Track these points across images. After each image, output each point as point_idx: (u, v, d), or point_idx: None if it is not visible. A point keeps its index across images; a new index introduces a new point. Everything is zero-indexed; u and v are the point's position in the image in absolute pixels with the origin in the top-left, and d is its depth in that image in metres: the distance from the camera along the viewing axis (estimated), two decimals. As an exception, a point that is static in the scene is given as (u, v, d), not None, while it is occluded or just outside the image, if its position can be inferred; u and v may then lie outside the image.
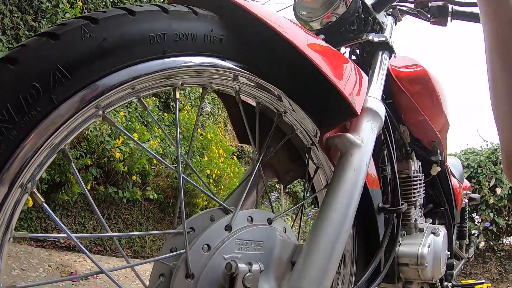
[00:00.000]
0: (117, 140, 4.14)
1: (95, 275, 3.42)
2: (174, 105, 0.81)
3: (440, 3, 1.63)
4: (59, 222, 0.65)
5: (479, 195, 3.17)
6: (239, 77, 0.89)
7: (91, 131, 3.92)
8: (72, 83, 0.60)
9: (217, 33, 0.81)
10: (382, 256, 1.20)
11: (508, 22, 0.81)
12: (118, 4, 5.14)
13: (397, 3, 1.60)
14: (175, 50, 0.73)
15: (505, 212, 5.98)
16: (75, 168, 0.69)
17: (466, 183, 2.79)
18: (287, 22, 0.91)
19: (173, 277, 0.78)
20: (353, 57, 1.49)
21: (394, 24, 1.54)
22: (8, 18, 3.78)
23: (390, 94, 1.52)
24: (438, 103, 1.66)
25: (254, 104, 1.03)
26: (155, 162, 4.67)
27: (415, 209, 1.61)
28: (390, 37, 1.43)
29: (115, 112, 4.30)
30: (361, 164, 0.97)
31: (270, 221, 0.95)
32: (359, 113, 0.98)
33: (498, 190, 5.90)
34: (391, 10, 1.57)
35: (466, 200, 2.62)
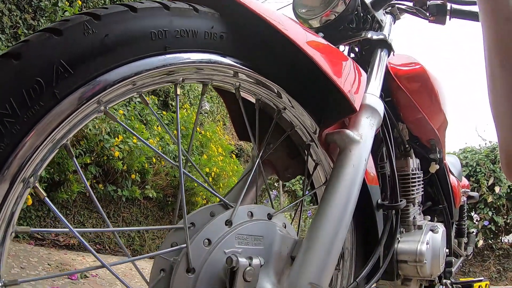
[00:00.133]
0: (116, 138, 4.14)
1: (95, 274, 3.44)
2: (175, 101, 0.82)
3: (438, 2, 1.63)
4: (61, 216, 0.66)
5: (477, 193, 3.18)
6: (239, 73, 0.90)
7: (90, 129, 3.92)
8: (74, 78, 0.61)
9: (218, 30, 0.81)
10: (381, 252, 1.21)
11: (507, 20, 0.81)
12: (117, 2, 5.14)
13: (396, 2, 1.61)
14: (176, 46, 0.74)
15: (504, 210, 5.99)
16: (76, 163, 0.69)
17: (465, 181, 2.80)
18: (287, 20, 0.91)
19: (173, 271, 0.79)
20: (352, 55, 1.50)
21: (393, 22, 1.54)
22: (7, 17, 3.77)
23: (388, 92, 1.53)
24: (437, 101, 1.66)
25: (253, 101, 1.03)
26: (154, 160, 4.67)
27: (414, 206, 1.61)
28: (388, 35, 1.44)
29: (114, 111, 4.30)
30: (360, 160, 0.98)
31: (270, 217, 0.96)
32: (358, 110, 0.99)
33: (497, 189, 5.91)
34: (390, 8, 1.58)
35: (465, 198, 2.63)
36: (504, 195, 5.92)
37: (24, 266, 3.09)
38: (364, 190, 1.15)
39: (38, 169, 0.62)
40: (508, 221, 6.03)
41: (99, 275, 3.49)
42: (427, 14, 1.65)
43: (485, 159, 6.22)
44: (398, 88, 1.51)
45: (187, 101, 6.78)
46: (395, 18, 1.59)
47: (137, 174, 4.49)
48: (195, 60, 0.78)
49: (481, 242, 6.02)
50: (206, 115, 7.64)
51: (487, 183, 6.02)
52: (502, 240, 6.24)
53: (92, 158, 4.04)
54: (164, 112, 5.73)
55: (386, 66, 1.38)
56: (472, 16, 1.62)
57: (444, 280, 1.82)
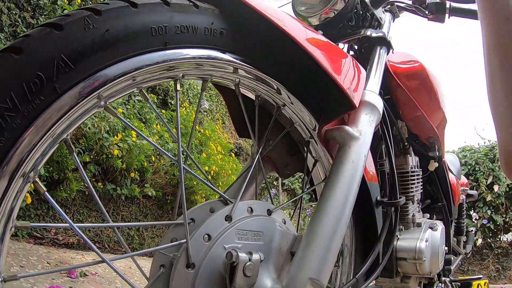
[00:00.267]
0: (115, 137, 4.15)
1: (94, 272, 3.44)
2: (174, 97, 0.82)
3: (437, 0, 1.64)
4: (61, 210, 0.66)
5: (476, 192, 3.18)
6: (238, 70, 0.90)
7: (89, 128, 3.92)
8: (75, 73, 0.61)
9: (218, 26, 0.82)
10: (380, 249, 1.21)
11: (506, 19, 0.81)
12: None
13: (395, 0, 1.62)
14: (176, 42, 0.74)
15: (503, 209, 6.00)
16: (77, 159, 0.69)
17: (464, 179, 2.80)
18: (287, 16, 0.92)
19: (173, 267, 0.79)
20: (351, 53, 1.50)
21: (392, 20, 1.55)
22: (6, 15, 3.77)
23: (388, 89, 1.53)
24: (436, 99, 1.66)
25: (253, 97, 1.04)
26: (153, 159, 4.67)
27: (413, 204, 1.62)
28: (388, 32, 1.44)
29: (113, 108, 4.30)
30: (359, 156, 0.98)
31: (269, 212, 0.96)
32: (357, 106, 0.99)
33: (496, 188, 5.93)
34: (389, 6, 1.58)
35: (464, 196, 2.63)
36: (503, 193, 5.93)
37: (23, 264, 3.10)
38: (364, 187, 1.16)
39: (38, 164, 0.62)
40: (507, 219, 6.04)
41: (99, 273, 3.49)
42: (426, 12, 1.65)
43: (484, 158, 6.23)
44: (397, 86, 1.51)
45: (186, 100, 6.78)
46: (394, 16, 1.59)
47: (136, 172, 4.50)
48: (195, 56, 0.78)
49: (480, 241, 6.03)
50: (206, 113, 7.64)
51: (486, 182, 6.03)
52: (501, 239, 6.25)
53: (91, 156, 4.05)
54: (163, 111, 5.74)
55: (385, 64, 1.38)
56: (471, 14, 1.62)
57: (443, 278, 1.82)
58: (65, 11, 3.88)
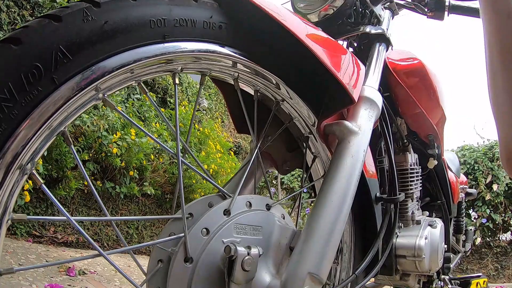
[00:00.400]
0: (114, 135, 4.14)
1: (93, 271, 3.43)
2: (173, 92, 0.82)
3: None
4: (58, 204, 0.65)
5: (475, 190, 3.18)
6: (237, 64, 0.90)
7: (88, 126, 3.91)
8: (73, 64, 0.61)
9: (217, 20, 0.81)
10: (379, 246, 1.21)
11: (508, 16, 0.82)
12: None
13: (395, -3, 1.61)
14: (175, 35, 0.74)
15: (502, 208, 6.00)
16: (74, 151, 0.69)
17: (463, 177, 2.80)
18: (286, 12, 0.91)
19: (171, 261, 0.79)
20: (350, 50, 1.50)
21: (391, 17, 1.54)
22: (5, 13, 3.77)
23: (387, 87, 1.53)
24: (435, 96, 1.66)
25: (252, 92, 1.04)
26: (152, 157, 4.67)
27: (412, 201, 1.61)
28: (387, 29, 1.44)
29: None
30: (358, 151, 0.98)
31: (268, 207, 0.96)
32: (356, 101, 0.99)
33: (495, 187, 5.93)
34: (388, 3, 1.58)
35: (463, 195, 2.63)
36: (502, 193, 5.93)
37: (22, 263, 3.09)
38: (363, 183, 1.16)
39: (35, 155, 0.62)
40: (506, 218, 6.04)
41: (98, 272, 3.49)
42: (426, 9, 1.65)
43: (483, 157, 6.23)
44: (396, 83, 1.51)
45: (186, 98, 6.78)
46: (394, 13, 1.59)
47: (135, 171, 4.49)
48: (194, 50, 0.78)
49: (479, 240, 6.04)
50: (205, 112, 7.64)
51: (485, 181, 6.03)
52: (500, 238, 6.25)
53: (90, 154, 4.04)
54: (162, 109, 5.74)
55: (385, 60, 1.38)
56: (471, 12, 1.62)
57: (443, 276, 1.82)
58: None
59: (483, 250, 6.20)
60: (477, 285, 2.21)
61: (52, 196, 0.65)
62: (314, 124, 1.09)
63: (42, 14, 0.62)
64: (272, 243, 0.90)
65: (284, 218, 0.99)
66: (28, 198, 3.36)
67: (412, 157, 1.67)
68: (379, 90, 1.17)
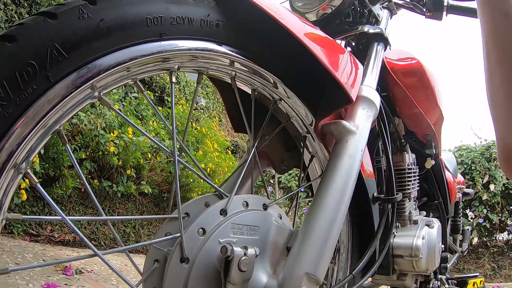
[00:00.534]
0: (111, 134, 4.13)
1: (90, 270, 3.42)
2: (170, 90, 0.81)
3: None
4: (53, 203, 0.65)
5: (472, 190, 3.18)
6: (235, 62, 0.89)
7: (85, 124, 3.90)
8: (68, 62, 0.60)
9: (214, 18, 0.81)
10: (377, 246, 1.21)
11: (505, 15, 0.82)
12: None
13: (393, -4, 1.61)
14: (172, 33, 0.74)
15: (498, 208, 6.01)
16: (70, 150, 0.68)
17: (460, 177, 2.80)
18: (284, 10, 0.91)
19: (168, 261, 0.78)
20: (348, 49, 1.50)
21: (389, 17, 1.54)
22: (3, 11, 3.75)
23: (385, 86, 1.53)
24: (433, 96, 1.66)
25: (249, 91, 1.03)
26: (149, 156, 4.66)
27: (410, 201, 1.61)
28: (385, 29, 1.43)
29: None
30: (356, 150, 0.98)
31: (265, 207, 0.95)
32: (354, 100, 0.98)
33: (492, 187, 5.93)
34: (386, 3, 1.57)
35: (460, 195, 2.64)
36: (499, 193, 5.94)
37: (18, 262, 3.09)
38: (360, 183, 1.15)
39: (30, 154, 0.62)
40: (503, 218, 6.05)
41: (95, 271, 3.48)
42: (424, 9, 1.65)
43: (480, 157, 6.24)
44: (394, 83, 1.51)
45: (183, 97, 6.77)
46: (392, 13, 1.58)
47: (132, 169, 4.48)
48: (191, 48, 0.78)
49: (475, 240, 6.04)
50: (202, 111, 7.64)
51: (482, 181, 6.04)
52: (497, 238, 6.26)
53: (87, 153, 4.03)
54: (159, 108, 5.72)
55: (383, 60, 1.37)
56: (469, 12, 1.62)
57: (440, 276, 1.82)
58: (62, 7, 3.86)
59: (480, 250, 6.20)
60: (474, 284, 2.21)
61: (47, 195, 0.65)
62: (312, 124, 1.08)
63: (38, 12, 0.61)
64: (269, 243, 0.90)
65: (281, 218, 0.98)
66: (24, 197, 3.35)
67: (409, 157, 1.67)
68: (377, 89, 1.17)
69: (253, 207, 0.92)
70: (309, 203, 0.94)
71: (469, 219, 6.11)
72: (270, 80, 0.98)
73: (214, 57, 0.84)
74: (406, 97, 1.54)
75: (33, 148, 0.61)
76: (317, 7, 1.34)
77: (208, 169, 5.39)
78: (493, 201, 5.94)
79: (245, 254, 0.78)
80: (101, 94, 0.69)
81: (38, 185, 0.64)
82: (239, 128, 1.21)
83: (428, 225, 1.53)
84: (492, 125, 0.90)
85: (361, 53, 1.37)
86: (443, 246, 1.71)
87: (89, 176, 4.19)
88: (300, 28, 0.90)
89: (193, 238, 0.80)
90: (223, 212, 0.85)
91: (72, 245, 4.08)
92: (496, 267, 6.03)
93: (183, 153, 0.94)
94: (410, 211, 1.59)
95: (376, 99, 1.11)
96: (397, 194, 1.30)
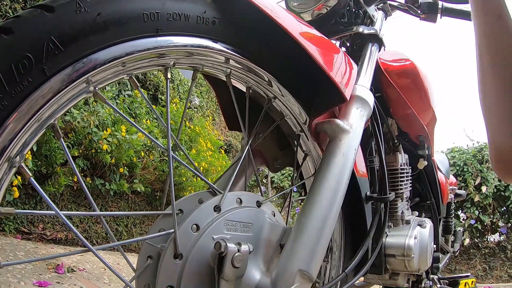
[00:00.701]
0: (104, 131, 4.11)
1: (82, 268, 3.41)
2: (165, 89, 0.81)
3: (430, 0, 1.65)
4: (47, 197, 0.65)
5: (464, 192, 3.21)
6: (230, 60, 0.90)
7: (78, 122, 3.89)
8: (64, 55, 0.60)
9: (210, 15, 0.81)
10: (369, 245, 1.22)
11: (498, 18, 0.83)
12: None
13: (388, -2, 1.62)
14: (168, 29, 0.74)
15: (490, 210, 6.05)
16: (64, 145, 0.68)
17: (452, 179, 2.82)
18: (280, 9, 0.91)
19: (161, 257, 0.78)
20: (343, 49, 1.50)
21: (384, 18, 1.55)
22: (-3, 7, 3.73)
23: (379, 87, 1.53)
24: (426, 97, 1.67)
25: (244, 89, 1.03)
26: (142, 154, 4.64)
27: (402, 201, 1.62)
28: (380, 30, 1.44)
29: (103, 104, 4.27)
30: (349, 149, 0.98)
31: (259, 204, 0.95)
32: (348, 99, 0.99)
33: (484, 188, 5.98)
34: (381, 4, 1.59)
35: (452, 196, 2.65)
36: (491, 194, 5.98)
37: (10, 259, 3.07)
38: (353, 182, 1.16)
39: (24, 148, 0.61)
40: (494, 220, 6.10)
41: (87, 269, 3.47)
42: (419, 11, 1.66)
43: (473, 159, 6.28)
44: (388, 84, 1.52)
45: (177, 95, 6.76)
46: (387, 14, 1.60)
47: (125, 168, 4.46)
48: (187, 44, 0.78)
49: (467, 241, 6.08)
50: (196, 110, 7.62)
51: (474, 183, 6.08)
52: (488, 239, 6.30)
53: (80, 151, 4.01)
54: (154, 106, 5.71)
55: (377, 61, 1.38)
56: (463, 15, 1.63)
57: (431, 276, 1.83)
58: (57, 3, 3.84)
59: (471, 250, 6.24)
60: (465, 285, 2.22)
61: (41, 189, 0.65)
62: (306, 122, 1.09)
63: (35, 4, 0.61)
64: (263, 240, 0.90)
65: (274, 216, 0.99)
66: (17, 194, 3.33)
67: (402, 158, 1.68)
68: (371, 90, 1.18)
69: (246, 204, 0.92)
70: (302, 203, 0.95)
71: (461, 220, 6.16)
72: (264, 78, 0.98)
73: (209, 54, 0.85)
74: (400, 98, 1.55)
75: (27, 142, 0.61)
76: (313, 7, 1.35)
77: (202, 168, 5.38)
78: (485, 202, 5.99)
79: (238, 250, 0.78)
80: (97, 88, 0.69)
81: (32, 179, 0.64)
82: (233, 126, 1.21)
83: (420, 225, 1.54)
84: (484, 127, 0.91)
85: (356, 54, 1.38)
86: (435, 246, 1.72)
87: (82, 174, 4.17)
88: (295, 27, 0.90)
89: (186, 234, 0.80)
90: (217, 208, 0.85)
91: (64, 243, 4.06)
92: (487, 268, 6.07)
93: (176, 151, 0.94)
94: (402, 211, 1.60)
95: (370, 98, 1.12)
96: (389, 193, 1.31)
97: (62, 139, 0.67)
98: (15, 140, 0.58)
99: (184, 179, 5.08)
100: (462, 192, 2.98)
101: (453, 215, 2.69)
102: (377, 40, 1.38)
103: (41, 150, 3.56)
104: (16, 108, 0.57)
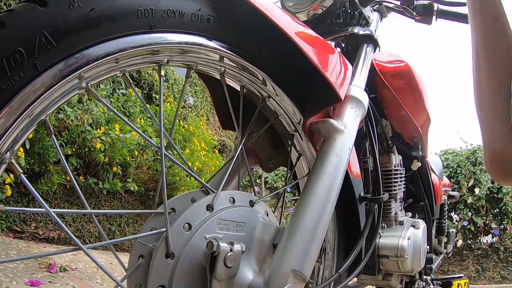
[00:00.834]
0: (98, 130, 4.09)
1: (75, 268, 3.39)
2: (159, 84, 0.81)
3: (426, 2, 1.65)
4: (37, 195, 0.64)
5: (458, 193, 3.22)
6: (224, 58, 0.89)
7: (72, 120, 3.86)
8: (57, 50, 0.60)
9: (205, 12, 0.81)
10: (363, 245, 1.21)
11: (494, 19, 0.83)
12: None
13: (383, -1, 1.62)
14: (162, 26, 0.73)
15: (483, 211, 6.09)
16: (55, 141, 0.68)
17: (446, 180, 2.83)
18: (276, 8, 0.91)
19: (153, 256, 0.77)
20: (338, 50, 1.50)
21: (379, 19, 1.55)
22: (-10, 3, 3.71)
23: (373, 88, 1.53)
24: (420, 99, 1.68)
25: (238, 88, 1.03)
26: (136, 153, 4.62)
27: (396, 202, 1.62)
28: (375, 31, 1.44)
29: (96, 103, 4.25)
30: (343, 149, 0.98)
31: (252, 204, 0.95)
32: (342, 99, 0.99)
33: (477, 190, 6.02)
34: (377, 6, 1.59)
35: (446, 197, 2.66)
36: (484, 196, 6.02)
37: (2, 258, 3.04)
38: (347, 182, 1.15)
39: (15, 144, 0.61)
40: (487, 222, 6.14)
41: (79, 269, 3.45)
42: (414, 13, 1.67)
43: (466, 161, 6.31)
44: (383, 85, 1.52)
45: (171, 95, 6.74)
46: (382, 16, 1.60)
47: (118, 167, 4.44)
48: (181, 42, 0.77)
49: (460, 242, 6.12)
50: (190, 109, 7.61)
51: (467, 185, 6.12)
52: (481, 241, 6.34)
53: (73, 149, 3.99)
54: (148, 105, 5.69)
55: (372, 62, 1.38)
56: (458, 17, 1.64)
57: (425, 276, 1.84)
58: None
59: (464, 252, 6.27)
60: (458, 286, 2.23)
61: (31, 186, 0.64)
62: (300, 122, 1.08)
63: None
64: (255, 239, 0.89)
65: (267, 215, 0.98)
66: (9, 192, 3.31)
67: (396, 159, 1.68)
68: (365, 90, 1.17)
69: (239, 203, 0.92)
70: (295, 204, 0.94)
71: (454, 221, 6.19)
72: (259, 77, 0.98)
73: (203, 52, 0.84)
74: (394, 99, 1.55)
75: (18, 137, 0.60)
76: (308, 7, 1.35)
77: (195, 168, 5.37)
78: (478, 204, 6.02)
79: (231, 250, 0.78)
80: (89, 85, 0.68)
81: (22, 175, 0.63)
82: (227, 125, 1.21)
83: (413, 226, 1.54)
84: (479, 128, 0.91)
85: (351, 54, 1.38)
86: (428, 247, 1.72)
87: (75, 173, 4.15)
88: (291, 26, 0.90)
89: (178, 233, 0.79)
90: (210, 207, 0.85)
91: (56, 242, 4.04)
92: (480, 269, 6.10)
93: (170, 150, 0.94)
94: (396, 212, 1.60)
95: (365, 99, 1.12)
96: (383, 194, 1.31)
97: (53, 136, 0.66)
98: (5, 136, 0.57)
99: (177, 178, 5.07)
100: (455, 193, 2.99)
101: (446, 216, 2.70)
102: (372, 41, 1.38)
103: (34, 148, 3.53)
104: (7, 103, 0.56)
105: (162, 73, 0.80)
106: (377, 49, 1.43)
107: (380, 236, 1.43)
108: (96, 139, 4.04)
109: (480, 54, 0.86)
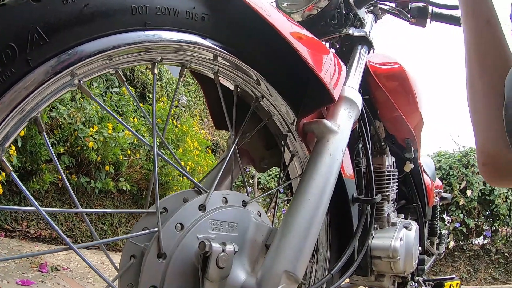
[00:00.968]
0: (91, 128, 4.07)
1: (66, 267, 3.37)
2: (152, 85, 0.80)
3: (420, 4, 1.66)
4: (28, 193, 0.63)
5: (450, 195, 3.24)
6: (218, 57, 0.89)
7: (64, 118, 3.84)
8: (49, 46, 0.59)
9: (199, 11, 0.80)
10: (355, 246, 1.21)
11: (487, 22, 0.84)
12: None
13: (378, 1, 1.63)
14: (156, 23, 0.72)
15: (475, 213, 6.13)
16: (47, 139, 0.67)
17: (438, 182, 2.84)
18: (271, 8, 0.91)
19: (144, 256, 0.76)
20: (332, 51, 1.50)
21: (374, 21, 1.56)
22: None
23: (367, 89, 1.54)
24: (414, 101, 1.68)
25: (232, 87, 1.02)
26: (129, 152, 4.61)
27: (388, 203, 1.63)
28: (369, 32, 1.44)
29: (89, 101, 4.23)
30: (337, 150, 0.98)
31: (244, 204, 0.94)
32: (336, 99, 0.99)
33: (469, 192, 6.05)
34: (372, 7, 1.60)
35: (438, 199, 2.68)
36: (476, 198, 6.06)
37: (-8, 256, 3.02)
38: (340, 183, 1.15)
39: (5, 141, 0.60)
40: (479, 223, 6.18)
41: (71, 268, 3.43)
42: (408, 16, 1.68)
43: (458, 163, 6.35)
44: (376, 86, 1.52)
45: (165, 94, 6.73)
46: (377, 17, 1.60)
47: (111, 166, 4.43)
48: (175, 40, 0.77)
49: (452, 243, 6.16)
50: (184, 109, 7.60)
51: (459, 187, 6.15)
52: (473, 242, 6.38)
53: (66, 148, 3.97)
54: (141, 104, 5.67)
55: (366, 63, 1.38)
56: (452, 20, 1.65)
57: (417, 278, 1.84)
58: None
59: (456, 253, 6.31)
60: (450, 287, 2.24)
61: (21, 184, 0.63)
62: (293, 122, 1.08)
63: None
64: (248, 240, 0.89)
65: (260, 216, 0.98)
66: (0, 190, 3.28)
67: (389, 160, 1.68)
68: (359, 92, 1.18)
69: (232, 203, 0.91)
70: (288, 204, 0.94)
71: (446, 223, 6.23)
72: (253, 77, 0.97)
73: (197, 50, 0.84)
74: (388, 100, 1.55)
75: (9, 134, 0.60)
76: (303, 8, 1.35)
77: (188, 168, 5.36)
78: (470, 206, 6.06)
79: (223, 250, 0.77)
80: (81, 82, 0.67)
81: (13, 173, 0.62)
82: (220, 124, 1.20)
83: (406, 227, 1.55)
84: (471, 130, 0.92)
85: (345, 55, 1.38)
86: (420, 248, 1.73)
87: (67, 172, 4.13)
88: (286, 26, 0.90)
89: (170, 233, 0.78)
90: (202, 207, 0.84)
91: (48, 241, 4.02)
92: (472, 270, 6.14)
93: (162, 150, 0.93)
94: (388, 213, 1.60)
95: (358, 100, 1.12)
96: (376, 195, 1.31)
97: (45, 134, 0.65)
98: None
99: (170, 178, 5.06)
100: (447, 195, 3.01)
101: (439, 218, 2.71)
102: (366, 42, 1.39)
103: (26, 146, 3.51)
104: None
105: (156, 71, 0.79)
106: (371, 51, 1.43)
107: (373, 237, 1.43)
108: (89, 137, 4.03)
109: (472, 57, 0.87)
